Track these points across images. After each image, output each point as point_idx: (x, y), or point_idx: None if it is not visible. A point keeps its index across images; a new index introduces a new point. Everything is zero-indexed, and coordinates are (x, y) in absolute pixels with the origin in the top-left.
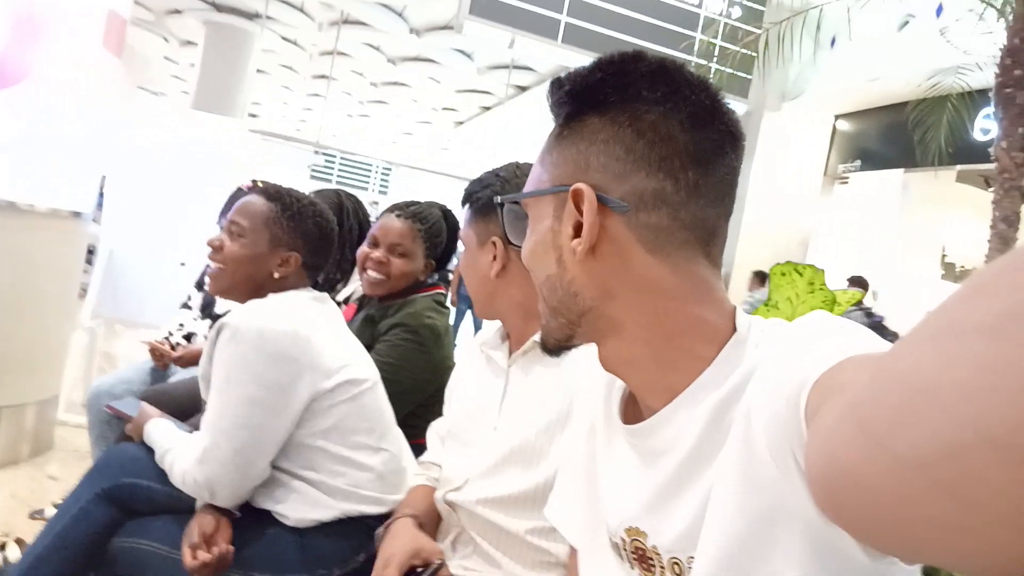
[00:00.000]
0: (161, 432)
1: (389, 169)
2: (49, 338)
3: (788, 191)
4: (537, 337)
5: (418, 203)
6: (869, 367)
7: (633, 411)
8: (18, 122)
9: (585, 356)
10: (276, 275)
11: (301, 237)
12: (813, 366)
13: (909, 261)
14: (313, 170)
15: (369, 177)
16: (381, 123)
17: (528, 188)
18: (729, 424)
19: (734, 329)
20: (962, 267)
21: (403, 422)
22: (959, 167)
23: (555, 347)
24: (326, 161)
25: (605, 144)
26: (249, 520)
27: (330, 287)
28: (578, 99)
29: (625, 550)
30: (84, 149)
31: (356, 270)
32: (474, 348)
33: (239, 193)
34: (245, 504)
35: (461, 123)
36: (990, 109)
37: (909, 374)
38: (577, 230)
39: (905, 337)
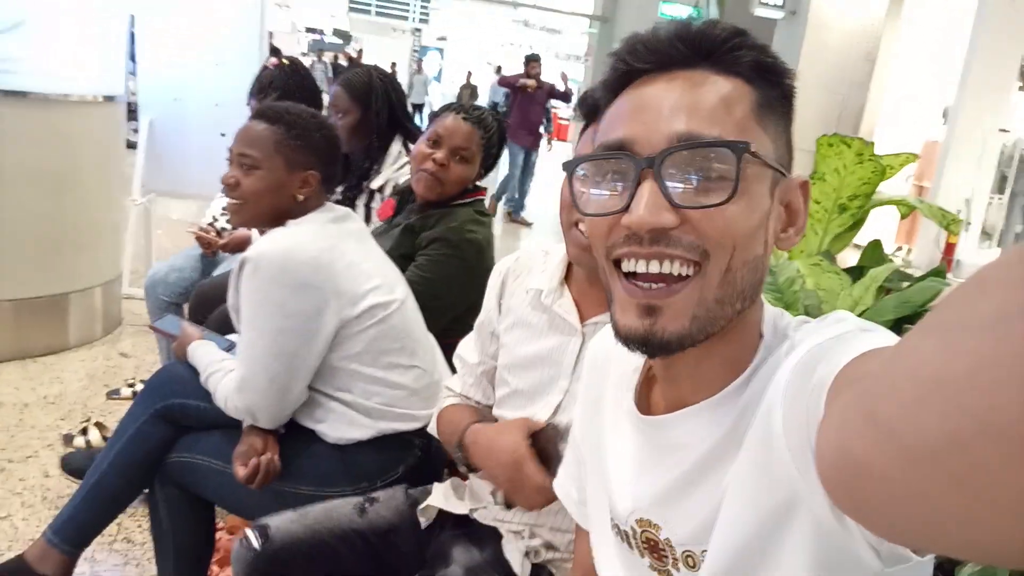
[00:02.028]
0: (202, 355)
1: None
2: (103, 221)
3: (853, 3)
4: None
5: (479, 108)
6: (878, 359)
7: (648, 399)
8: (31, 9)
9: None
10: (300, 197)
11: (313, 153)
12: (833, 368)
13: (985, 74)
14: (351, 3)
15: (409, 5)
16: None
17: (737, 135)
18: (750, 424)
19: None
20: None
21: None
22: None
23: (697, 339)
24: None
25: (787, 131)
26: (294, 437)
27: (363, 177)
28: (773, 71)
29: (635, 539)
30: (103, 30)
31: (390, 160)
32: (524, 288)
33: (265, 72)
34: (290, 422)
35: None
36: None
37: (917, 366)
38: (791, 221)
39: (914, 329)
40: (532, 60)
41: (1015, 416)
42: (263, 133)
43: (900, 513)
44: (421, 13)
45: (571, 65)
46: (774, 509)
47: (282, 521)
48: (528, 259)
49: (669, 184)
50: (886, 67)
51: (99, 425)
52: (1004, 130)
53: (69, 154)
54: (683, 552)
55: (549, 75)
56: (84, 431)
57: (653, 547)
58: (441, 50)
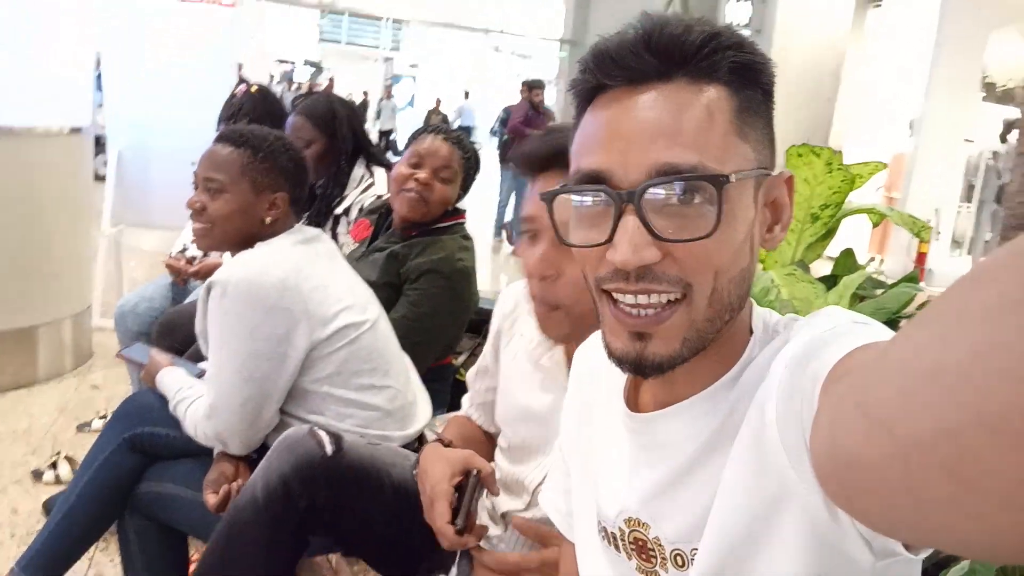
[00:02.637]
0: (171, 382)
1: (399, 25)
2: (71, 252)
3: (818, 20)
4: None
5: (456, 129)
6: (871, 352)
7: (637, 398)
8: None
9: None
10: (268, 220)
11: (280, 175)
12: (827, 361)
13: (948, 85)
14: (322, 33)
15: (379, 34)
16: None
17: (721, 162)
18: (742, 418)
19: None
20: (1003, 86)
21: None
22: None
23: (688, 358)
24: (333, 23)
25: (769, 126)
26: None
27: (329, 204)
28: (752, 70)
29: (623, 540)
30: (69, 62)
31: (353, 183)
32: (519, 333)
33: (234, 99)
34: (262, 447)
35: None
36: None
37: (910, 358)
38: (776, 218)
39: (909, 323)
40: (535, 87)
41: (1008, 407)
42: (229, 156)
43: (893, 505)
44: (392, 41)
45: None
46: (766, 502)
47: (355, 440)
48: (525, 301)
49: (651, 217)
50: (852, 82)
51: (69, 459)
52: (969, 140)
53: (35, 186)
54: (672, 551)
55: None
56: (54, 465)
57: (641, 547)
58: (413, 77)
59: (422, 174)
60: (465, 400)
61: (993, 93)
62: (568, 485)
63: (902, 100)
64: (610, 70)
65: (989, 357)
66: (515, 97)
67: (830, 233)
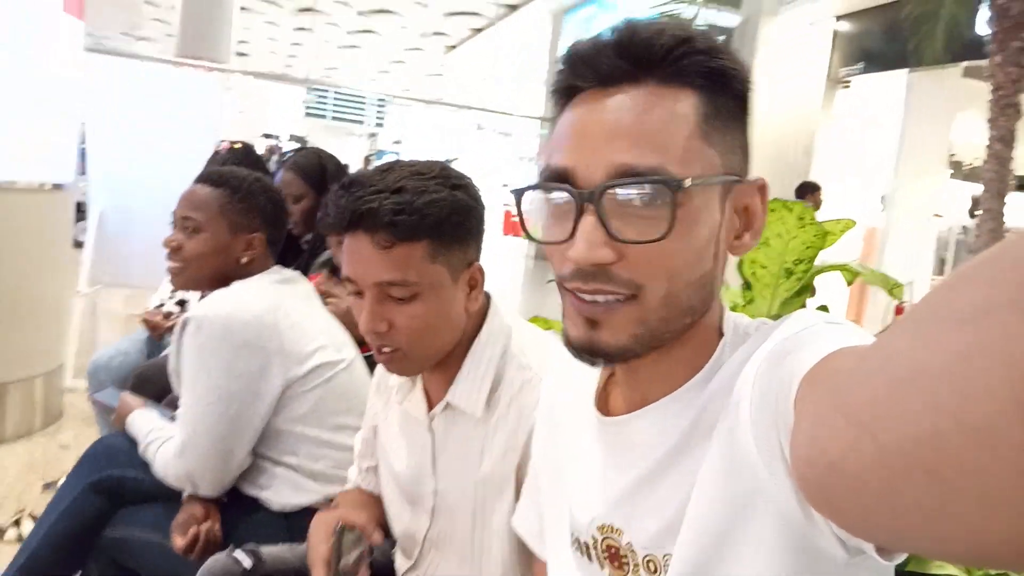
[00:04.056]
0: (142, 424)
1: (384, 101)
2: (47, 309)
3: (789, 100)
4: (454, 395)
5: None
6: (851, 355)
7: (607, 403)
8: None
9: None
10: (244, 260)
11: (258, 216)
12: (804, 359)
13: (916, 163)
14: (307, 108)
15: (364, 110)
16: (371, 54)
17: (684, 166)
18: (714, 420)
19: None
20: (969, 164)
21: None
22: (964, 64)
23: (640, 352)
24: (318, 98)
25: (743, 133)
26: (236, 505)
27: (313, 257)
28: (724, 75)
29: (596, 549)
30: (54, 118)
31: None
32: (384, 392)
33: (217, 155)
34: (232, 490)
35: (453, 47)
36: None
37: (891, 362)
38: (746, 225)
39: (889, 328)
40: None
41: (990, 411)
42: (207, 196)
43: (873, 509)
44: (377, 117)
45: (524, 165)
46: (740, 504)
47: (274, 548)
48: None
49: (609, 218)
50: (824, 159)
51: (33, 517)
52: (938, 215)
53: (13, 240)
54: (644, 557)
55: None
56: (17, 523)
57: (614, 555)
58: (397, 153)
59: None
60: (352, 470)
61: (960, 171)
62: (535, 503)
63: (873, 176)
64: (581, 71)
65: (968, 361)
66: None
67: (805, 289)
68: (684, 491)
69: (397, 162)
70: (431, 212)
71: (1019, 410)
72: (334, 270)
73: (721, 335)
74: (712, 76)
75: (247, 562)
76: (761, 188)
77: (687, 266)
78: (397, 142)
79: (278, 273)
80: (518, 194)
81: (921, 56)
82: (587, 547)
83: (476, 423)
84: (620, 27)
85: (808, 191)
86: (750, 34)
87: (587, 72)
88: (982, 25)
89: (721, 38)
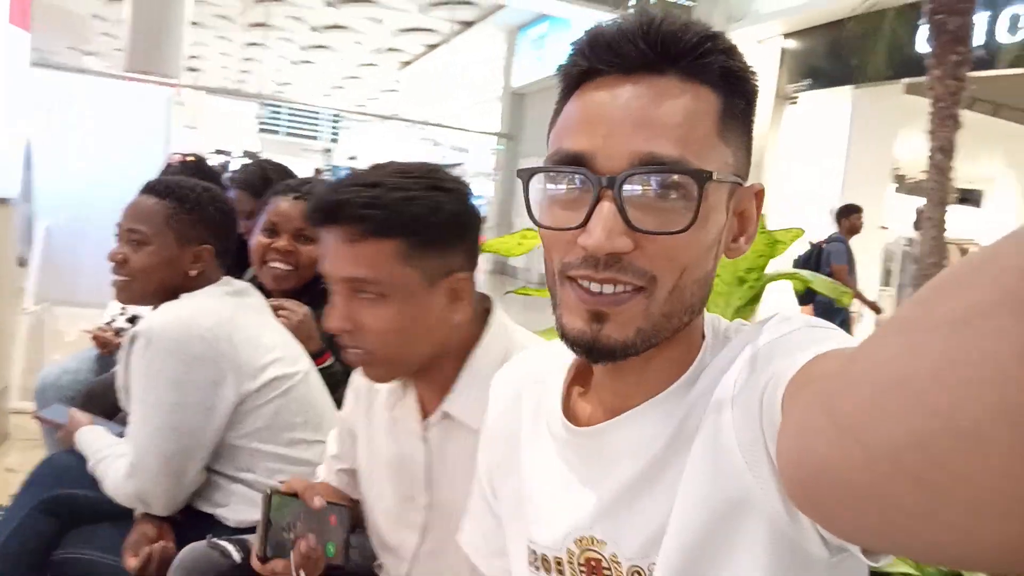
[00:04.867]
0: (91, 440)
1: (338, 117)
2: None
3: None
4: (452, 406)
5: (308, 180)
6: (838, 359)
7: (575, 414)
8: None
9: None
10: (192, 272)
11: (207, 227)
12: (789, 364)
13: (862, 177)
14: (261, 124)
15: (319, 126)
16: (326, 70)
17: (702, 161)
18: (698, 424)
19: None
20: (913, 178)
21: None
22: (906, 80)
23: (640, 349)
24: (272, 113)
25: (748, 137)
26: (191, 524)
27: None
28: (740, 78)
29: (572, 563)
30: None
31: None
32: (366, 397)
33: (169, 168)
34: (187, 507)
35: (407, 63)
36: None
37: (879, 366)
38: (742, 230)
39: (876, 331)
40: None
41: (977, 415)
42: (153, 207)
43: (862, 513)
44: (332, 133)
45: (480, 181)
46: (725, 508)
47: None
48: None
49: (628, 206)
50: (773, 174)
51: None
52: (884, 227)
53: None
54: (630, 568)
55: None
56: None
57: (595, 568)
58: (351, 169)
59: (280, 242)
60: (321, 470)
61: (904, 184)
62: (490, 524)
63: (821, 190)
64: (604, 55)
65: (956, 365)
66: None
67: (756, 298)
68: (668, 499)
69: (391, 161)
70: (405, 210)
71: (1007, 414)
72: None
73: (704, 337)
74: (729, 76)
75: (237, 556)
76: (758, 194)
77: (697, 262)
78: (352, 158)
79: (228, 285)
80: (526, 176)
81: (864, 73)
82: (559, 563)
83: (476, 435)
84: (644, 16)
85: (848, 213)
86: None
87: (610, 57)
88: (922, 42)
89: None
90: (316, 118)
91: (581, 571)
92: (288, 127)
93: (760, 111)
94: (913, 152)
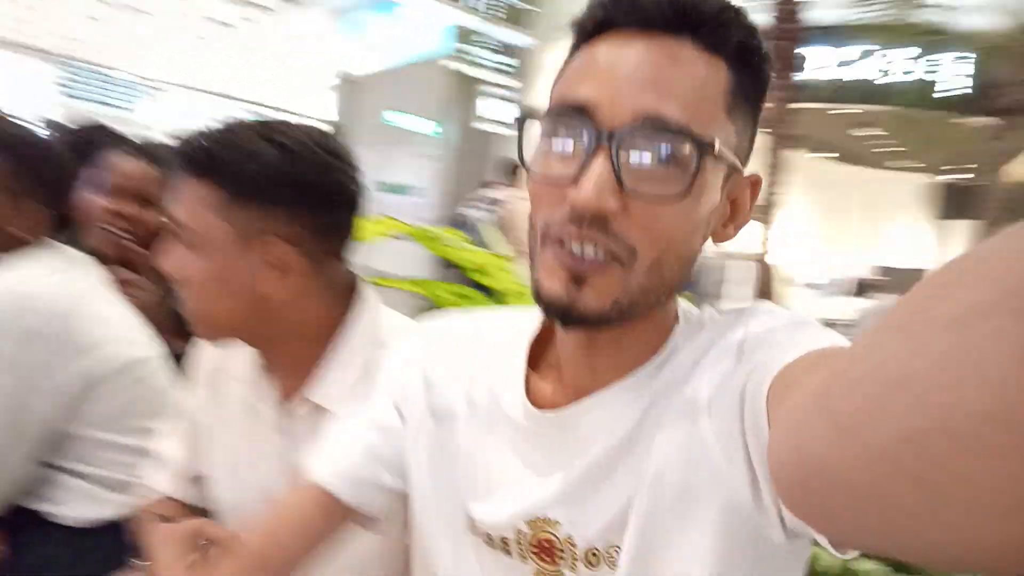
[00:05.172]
0: None
1: (148, 86)
2: None
3: None
4: (315, 392)
5: (149, 141)
6: (834, 358)
7: (535, 396)
8: None
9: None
10: (16, 230)
11: (31, 178)
12: (775, 358)
13: None
14: (62, 87)
15: (127, 94)
16: (137, 34)
17: (707, 133)
18: (667, 410)
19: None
20: None
21: None
22: None
23: (614, 320)
24: (75, 78)
25: (754, 123)
26: (18, 523)
27: None
28: (756, 56)
29: (521, 543)
30: None
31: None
32: (213, 381)
33: None
34: (20, 510)
35: (223, 33)
36: None
37: (877, 365)
38: (733, 215)
39: (872, 330)
40: None
41: (974, 414)
42: None
43: (862, 514)
44: (141, 102)
45: None
46: (691, 494)
47: None
48: (229, 357)
49: (623, 166)
50: None
51: None
52: None
53: None
54: (586, 549)
55: None
56: None
57: (547, 548)
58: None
59: (126, 206)
60: (157, 480)
61: None
62: (369, 447)
63: None
64: (624, 7)
65: (956, 365)
66: None
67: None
68: (633, 482)
69: (271, 119)
70: (226, 157)
71: (1006, 415)
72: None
73: (675, 321)
74: (746, 54)
75: None
76: (754, 184)
77: (683, 238)
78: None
79: (63, 251)
80: (521, 120)
81: None
82: (503, 542)
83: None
84: None
85: None
86: (539, 56)
87: (630, 10)
88: None
89: (513, 60)
90: (124, 86)
91: (532, 551)
92: (94, 94)
93: None
94: None
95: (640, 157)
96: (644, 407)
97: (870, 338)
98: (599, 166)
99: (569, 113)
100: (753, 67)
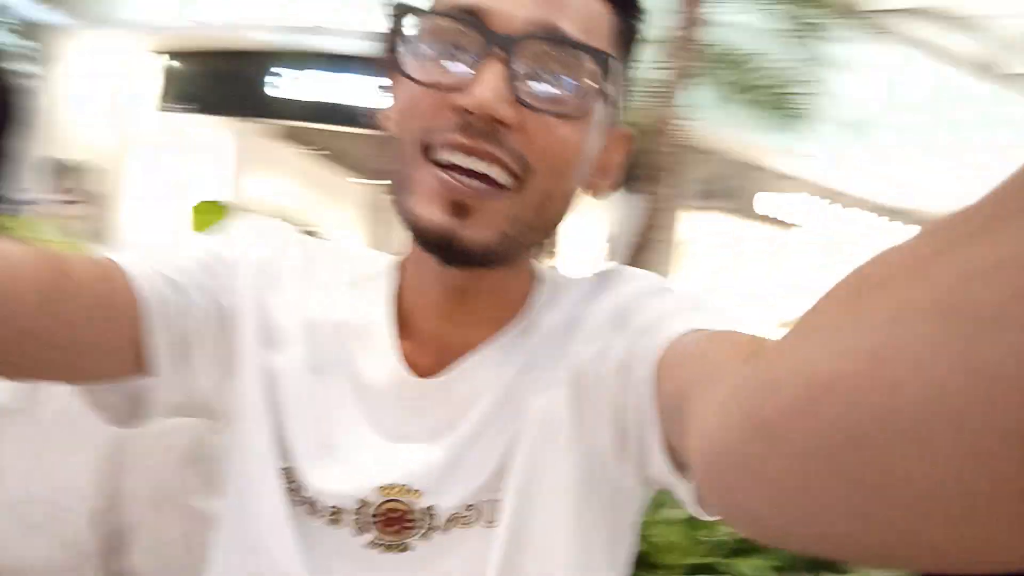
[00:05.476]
0: None
1: None
2: None
3: (101, 117)
4: None
5: None
6: (745, 349)
7: (412, 362)
8: None
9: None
10: None
11: None
12: (658, 327)
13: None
14: None
15: None
16: None
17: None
18: (541, 371)
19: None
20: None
21: None
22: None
23: (498, 256)
24: None
25: (625, 79)
26: None
27: None
28: (636, 7)
29: (360, 514)
30: None
31: None
32: None
33: None
34: None
35: None
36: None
37: (801, 367)
38: (606, 170)
39: (791, 329)
40: None
41: (908, 413)
42: None
43: (788, 515)
44: None
45: None
46: (559, 447)
47: None
48: None
49: (518, 77)
50: (134, 181)
51: None
52: None
53: None
54: (449, 516)
55: None
56: None
57: (396, 519)
58: None
59: None
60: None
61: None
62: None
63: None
64: None
65: (888, 364)
66: None
67: None
68: (507, 441)
69: None
70: None
71: (944, 413)
72: None
73: (533, 277)
74: (628, 5)
75: None
76: (627, 139)
77: (573, 167)
78: None
79: None
80: (398, 14)
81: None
82: (335, 512)
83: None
84: None
85: None
86: (67, 39)
87: None
88: (272, 87)
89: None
90: None
91: (375, 521)
92: None
93: (129, 119)
94: (257, 188)
95: (537, 69)
96: (518, 367)
97: (792, 338)
98: (494, 72)
99: (457, 14)
100: (632, 17)
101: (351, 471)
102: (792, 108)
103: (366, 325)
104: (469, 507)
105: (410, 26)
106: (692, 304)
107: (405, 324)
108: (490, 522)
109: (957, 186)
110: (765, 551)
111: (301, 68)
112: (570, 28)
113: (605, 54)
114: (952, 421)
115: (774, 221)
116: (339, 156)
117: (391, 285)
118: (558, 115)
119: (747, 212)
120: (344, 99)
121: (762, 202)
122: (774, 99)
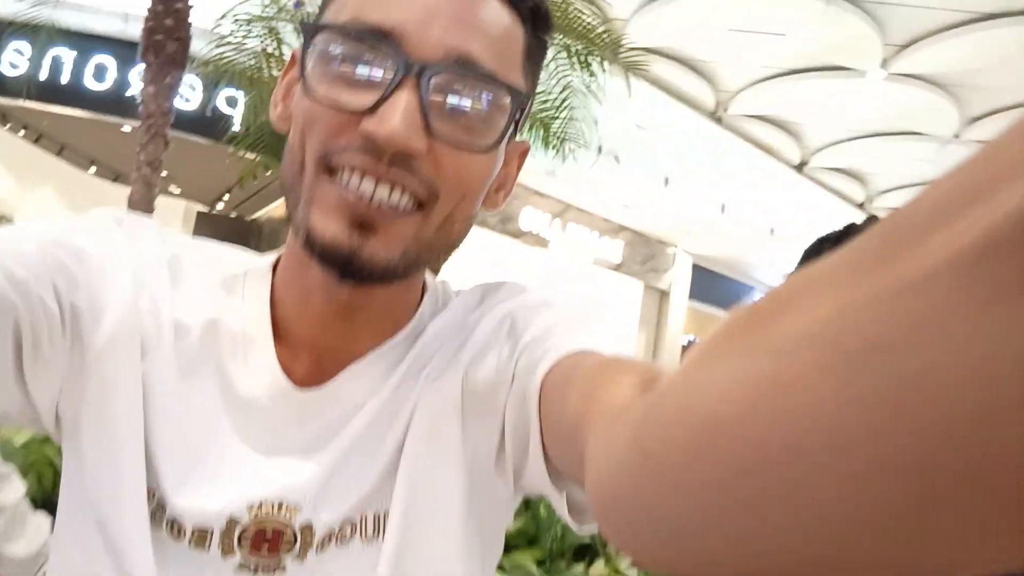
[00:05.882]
0: None
1: None
2: None
3: None
4: None
5: None
6: (636, 379)
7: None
8: None
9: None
10: None
11: None
12: (544, 348)
13: None
14: None
15: None
16: None
17: (511, 79)
18: (420, 382)
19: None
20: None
21: None
22: None
23: (398, 274)
24: None
25: (533, 90)
26: None
27: None
28: (545, 22)
29: (227, 535)
30: None
31: None
32: None
33: None
34: None
35: None
36: (13, 43)
37: (692, 400)
38: (503, 182)
39: (685, 359)
40: None
41: (793, 441)
42: None
43: (684, 546)
44: None
45: None
46: (442, 450)
47: None
48: None
49: (431, 103)
50: None
51: None
52: None
53: None
54: (328, 533)
55: None
56: None
57: (267, 539)
58: None
59: None
60: None
61: None
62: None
63: None
64: None
65: (773, 395)
66: None
67: None
68: (392, 449)
69: None
70: None
71: (832, 439)
72: None
73: (424, 287)
74: (537, 19)
75: None
76: (523, 154)
77: (476, 192)
78: None
79: None
80: (312, 31)
81: None
82: (199, 534)
83: None
84: None
85: None
86: None
87: None
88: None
89: None
90: None
91: (246, 542)
92: None
93: None
94: None
95: (450, 99)
96: (404, 372)
97: (686, 369)
98: (406, 100)
99: (368, 36)
100: (541, 33)
101: (218, 488)
102: (555, 132)
103: (241, 331)
104: (349, 522)
105: (321, 41)
106: (577, 320)
107: (280, 331)
108: (369, 537)
109: (693, 210)
110: None
111: (33, 43)
112: (484, 56)
113: (517, 88)
114: (836, 450)
115: (534, 237)
116: (53, 139)
117: (265, 289)
118: (471, 147)
119: (510, 229)
120: (73, 80)
121: (524, 219)
122: (540, 123)
